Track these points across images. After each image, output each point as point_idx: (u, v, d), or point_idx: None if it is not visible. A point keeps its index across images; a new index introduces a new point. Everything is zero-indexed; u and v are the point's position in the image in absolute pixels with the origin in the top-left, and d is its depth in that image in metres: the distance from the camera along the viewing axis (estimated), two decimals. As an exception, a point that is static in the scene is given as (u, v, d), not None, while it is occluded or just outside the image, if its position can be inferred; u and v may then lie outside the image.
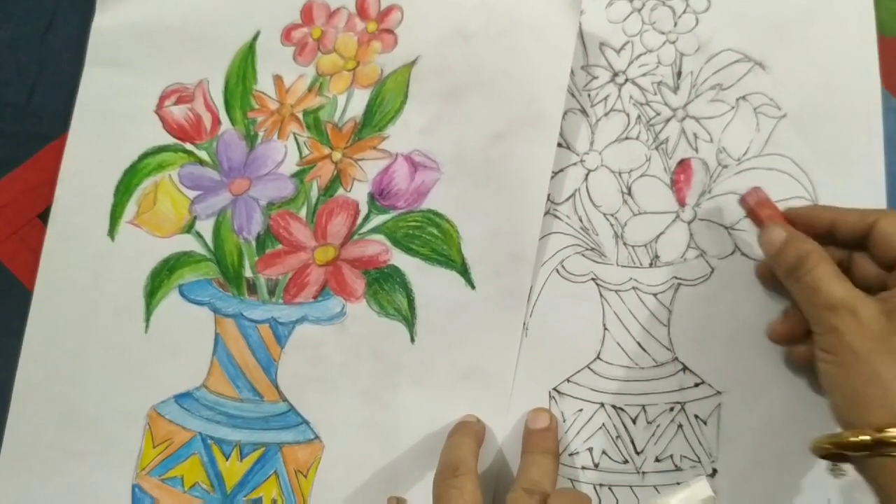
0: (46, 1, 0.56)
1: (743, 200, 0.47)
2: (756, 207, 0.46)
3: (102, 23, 0.54)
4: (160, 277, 0.50)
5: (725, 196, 0.49)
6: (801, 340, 0.46)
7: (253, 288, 0.50)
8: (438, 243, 0.49)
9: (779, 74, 0.51)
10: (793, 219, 0.45)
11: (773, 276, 0.46)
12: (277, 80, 0.52)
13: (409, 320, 0.48)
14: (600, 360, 0.48)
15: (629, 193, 0.50)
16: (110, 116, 0.53)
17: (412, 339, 0.48)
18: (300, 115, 0.52)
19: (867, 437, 0.38)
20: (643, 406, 0.48)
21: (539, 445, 0.47)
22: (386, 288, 0.49)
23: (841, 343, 0.40)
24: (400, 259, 0.49)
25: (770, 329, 0.47)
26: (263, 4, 0.53)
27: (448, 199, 0.50)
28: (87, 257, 0.51)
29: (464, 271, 0.49)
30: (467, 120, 0.51)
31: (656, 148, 0.50)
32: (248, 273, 0.50)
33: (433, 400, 0.48)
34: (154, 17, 0.54)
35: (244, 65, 0.53)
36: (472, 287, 0.49)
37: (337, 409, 0.48)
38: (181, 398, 0.49)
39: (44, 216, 0.52)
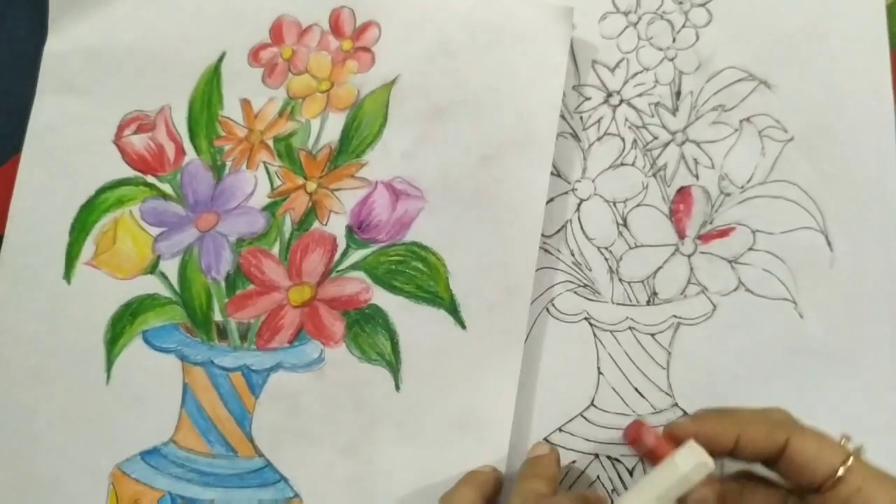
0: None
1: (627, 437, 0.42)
2: (647, 444, 0.41)
3: (55, 46, 0.52)
4: (122, 323, 0.48)
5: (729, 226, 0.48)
6: None
7: (223, 333, 0.48)
8: (424, 279, 0.47)
9: (785, 94, 0.50)
10: (693, 435, 0.40)
11: None
12: (245, 104, 0.50)
13: (394, 365, 0.47)
14: (594, 406, 0.47)
15: (625, 225, 0.49)
16: (64, 148, 0.50)
17: (397, 387, 0.46)
18: (271, 143, 0.50)
19: None
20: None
21: (530, 471, 0.44)
22: (367, 330, 0.47)
23: None
24: (382, 298, 0.47)
25: None
26: (229, 23, 0.51)
27: (434, 229, 0.48)
28: (42, 303, 0.49)
29: (453, 309, 0.47)
30: (453, 142, 0.49)
31: (654, 175, 0.49)
32: (217, 316, 0.48)
33: (422, 453, 0.46)
34: (111, 39, 0.52)
35: (209, 89, 0.51)
36: (463, 326, 0.47)
37: (317, 464, 0.46)
38: (148, 455, 0.47)
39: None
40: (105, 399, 0.48)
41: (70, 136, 0.51)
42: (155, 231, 0.49)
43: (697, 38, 0.50)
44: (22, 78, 0.52)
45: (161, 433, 0.47)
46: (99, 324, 0.48)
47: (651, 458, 0.40)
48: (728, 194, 0.48)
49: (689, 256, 0.48)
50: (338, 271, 0.48)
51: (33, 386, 0.48)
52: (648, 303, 0.48)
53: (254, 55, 0.51)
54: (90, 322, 0.48)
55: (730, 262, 0.48)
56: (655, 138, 0.49)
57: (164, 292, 0.48)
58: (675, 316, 0.47)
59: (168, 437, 0.47)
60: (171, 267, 0.49)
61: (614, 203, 0.49)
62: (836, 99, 0.49)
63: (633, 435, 0.41)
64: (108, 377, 0.48)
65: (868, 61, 0.50)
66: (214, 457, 0.47)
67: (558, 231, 0.49)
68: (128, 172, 0.50)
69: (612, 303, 0.48)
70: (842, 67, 0.50)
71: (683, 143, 0.49)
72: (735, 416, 0.40)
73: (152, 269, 0.49)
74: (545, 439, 0.47)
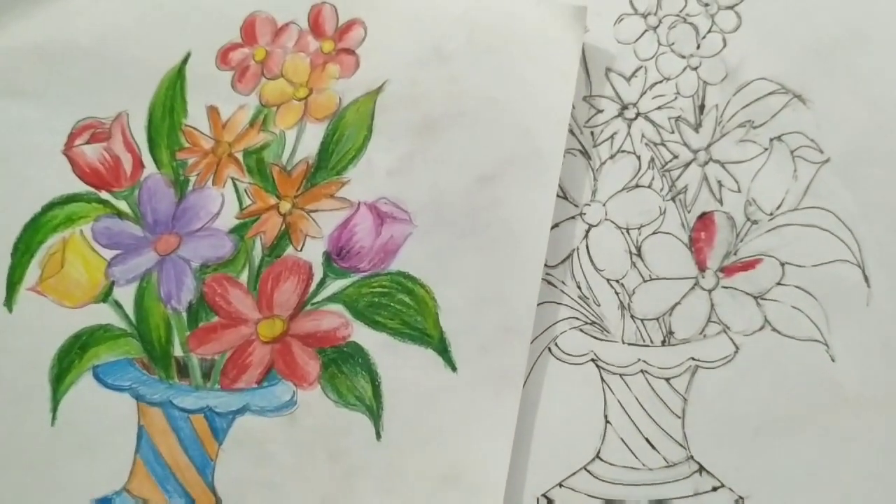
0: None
1: None
2: None
3: (0, 43, 0.50)
4: (70, 357, 0.46)
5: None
6: None
7: (184, 370, 0.45)
8: (411, 314, 0.45)
9: (822, 110, 0.47)
10: None
11: None
12: (212, 111, 0.49)
13: (375, 411, 0.44)
14: (600, 459, 0.44)
15: (639, 254, 0.46)
16: (8, 157, 0.49)
17: (378, 435, 0.44)
18: (240, 156, 0.48)
19: None
20: (652, 516, 0.45)
21: None
22: (346, 371, 0.45)
23: None
24: (363, 334, 0.45)
25: None
26: (195, 20, 0.50)
27: (423, 258, 0.46)
28: (-21, 332, 0.47)
29: (442, 349, 0.45)
30: (446, 159, 0.47)
31: (672, 199, 0.47)
32: (177, 351, 0.46)
33: (403, 512, 0.45)
34: (63, 38, 0.50)
35: (172, 94, 0.49)
36: (453, 368, 0.44)
37: (286, 522, 0.45)
38: (99, 504, 0.46)
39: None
40: (50, 443, 0.45)
41: (14, 145, 0.49)
42: (108, 254, 0.47)
43: (725, 45, 0.48)
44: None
45: (112, 481, 0.45)
46: (44, 358, 0.46)
47: None
48: (755, 222, 0.46)
49: (709, 291, 0.46)
50: (313, 304, 0.46)
51: (-30, 427, 0.46)
52: (663, 343, 0.45)
53: (222, 56, 0.50)
54: (34, 355, 0.46)
55: (755, 297, 0.45)
56: (675, 157, 0.47)
57: (119, 323, 0.46)
58: (692, 358, 0.45)
59: (120, 486, 0.45)
60: (126, 295, 0.46)
61: (627, 230, 0.47)
62: (881, 117, 0.47)
63: None
64: (54, 418, 0.45)
65: (919, 73, 0.48)
66: (171, 509, 0.45)
67: (564, 261, 0.47)
68: (79, 187, 0.48)
69: (623, 342, 0.46)
70: (887, 80, 0.47)
71: (706, 163, 0.47)
72: None
73: (105, 296, 0.46)
74: (544, 496, 0.44)
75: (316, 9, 0.50)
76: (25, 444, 0.45)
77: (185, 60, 0.50)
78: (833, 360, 0.45)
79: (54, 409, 0.46)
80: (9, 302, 0.47)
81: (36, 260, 0.47)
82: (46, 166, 0.48)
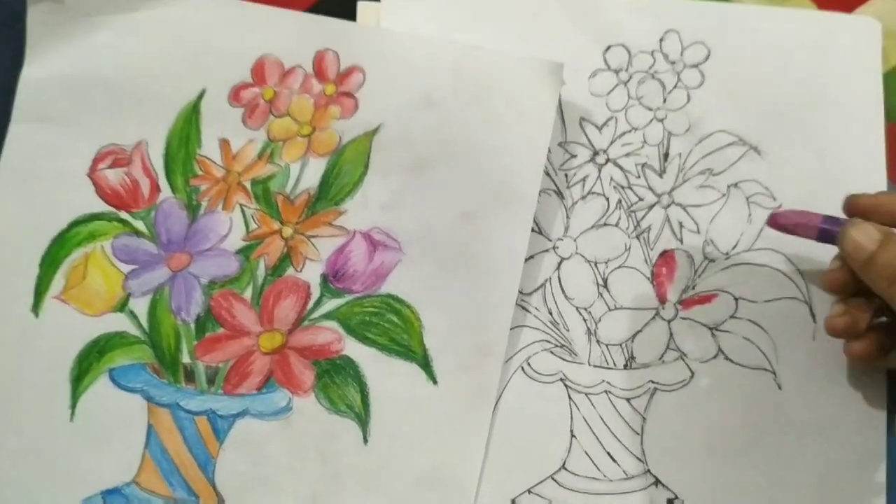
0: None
1: (774, 222, 0.46)
2: (797, 220, 0.46)
3: (32, 74, 0.51)
4: (88, 360, 0.48)
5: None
6: (861, 335, 0.45)
7: (190, 375, 0.48)
8: (398, 332, 0.48)
9: (775, 161, 0.50)
10: (873, 205, 0.45)
11: (850, 286, 0.45)
12: (224, 144, 0.51)
13: (362, 418, 0.47)
14: (565, 469, 0.47)
15: (605, 286, 0.49)
16: (38, 178, 0.50)
17: (365, 440, 0.47)
18: (248, 185, 0.50)
19: None
20: (610, 524, 0.47)
21: None
22: (337, 381, 0.47)
23: None
24: (354, 349, 0.48)
25: (829, 322, 0.45)
26: (210, 60, 0.51)
27: (410, 283, 0.49)
28: (8, 335, 0.48)
29: (425, 364, 0.47)
30: (433, 196, 0.50)
31: (637, 237, 0.49)
32: (185, 358, 0.48)
33: (385, 509, 0.47)
34: (90, 70, 0.51)
35: (188, 126, 0.51)
36: (434, 382, 0.47)
37: (279, 516, 0.47)
38: (109, 495, 0.47)
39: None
40: (68, 437, 0.48)
41: (44, 167, 0.51)
42: (126, 268, 0.49)
43: (689, 100, 0.51)
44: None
45: (123, 473, 0.47)
46: (65, 359, 0.48)
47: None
48: (712, 260, 0.49)
49: (669, 321, 0.48)
50: (310, 320, 0.48)
51: (-5, 420, 0.49)
52: (626, 366, 0.48)
53: (234, 95, 0.51)
54: (57, 357, 0.48)
55: (710, 328, 0.48)
56: (641, 199, 0.50)
57: (133, 331, 0.49)
58: (652, 381, 0.48)
59: (130, 478, 0.47)
60: (140, 305, 0.49)
61: (595, 263, 0.49)
62: (828, 169, 0.50)
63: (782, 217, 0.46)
64: (73, 414, 0.48)
65: (862, 133, 0.50)
66: (175, 501, 0.47)
67: (537, 289, 0.49)
68: (101, 207, 0.50)
69: (589, 365, 0.48)
70: (835, 137, 0.50)
71: (669, 205, 0.50)
72: None
73: (122, 306, 0.49)
74: (513, 500, 0.47)
75: (320, 55, 0.52)
76: (46, 437, 0.48)
77: (200, 96, 0.51)
78: (780, 388, 0.47)
79: (73, 406, 0.48)
80: (36, 308, 0.49)
81: (61, 271, 0.49)
82: (72, 187, 0.50)
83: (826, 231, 0.44)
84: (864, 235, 0.41)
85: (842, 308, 0.45)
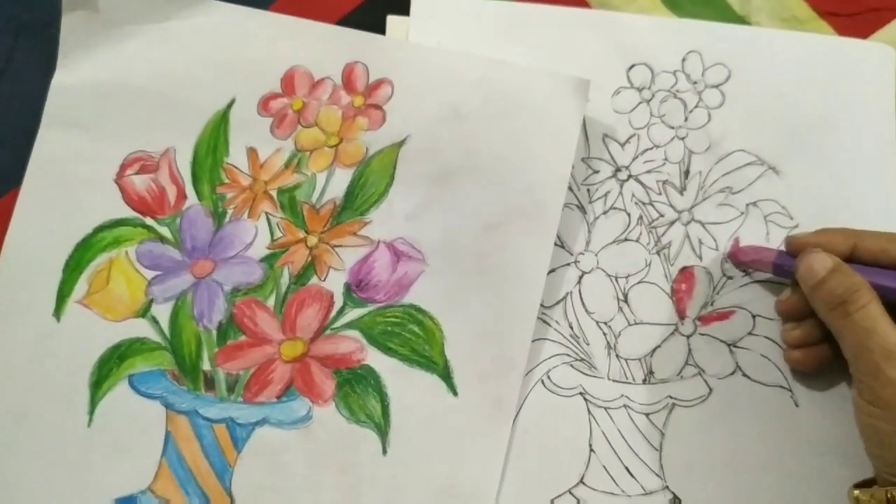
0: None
1: (733, 257, 0.49)
2: (753, 256, 0.49)
3: (63, 80, 0.52)
4: (109, 365, 0.48)
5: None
6: (809, 344, 0.47)
7: (210, 383, 0.48)
8: (419, 343, 0.48)
9: (793, 181, 0.51)
10: (812, 244, 0.47)
11: (800, 312, 0.47)
12: (251, 153, 0.51)
13: (382, 428, 0.47)
14: (584, 484, 0.47)
15: (625, 301, 0.50)
16: (65, 183, 0.51)
17: (384, 450, 0.47)
18: (274, 194, 0.51)
19: None
20: (629, 539, 0.47)
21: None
22: (358, 391, 0.48)
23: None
24: (375, 359, 0.48)
25: (783, 335, 0.49)
26: (240, 70, 0.52)
27: (433, 293, 0.49)
28: (29, 338, 0.49)
29: (446, 375, 0.48)
30: (458, 207, 0.50)
31: (657, 252, 0.50)
32: (206, 366, 0.48)
33: (404, 521, 0.47)
34: (120, 77, 0.52)
35: (216, 134, 0.51)
36: (455, 393, 0.48)
37: (296, 526, 0.47)
38: (124, 501, 0.47)
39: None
40: (85, 442, 0.48)
41: (71, 172, 0.51)
42: (149, 274, 0.50)
43: (709, 119, 0.52)
44: (27, 112, 0.52)
45: (139, 480, 0.47)
46: (85, 364, 0.49)
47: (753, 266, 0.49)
48: (730, 277, 0.50)
49: (687, 337, 0.49)
50: (332, 329, 0.49)
51: (13, 423, 0.48)
52: (644, 381, 0.48)
53: (263, 104, 0.52)
54: (77, 362, 0.49)
55: (728, 345, 0.49)
56: (661, 216, 0.51)
57: (154, 337, 0.49)
58: (670, 396, 0.48)
59: (146, 486, 0.47)
60: (163, 312, 0.49)
61: (616, 278, 0.50)
62: (844, 190, 0.51)
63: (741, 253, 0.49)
64: (91, 420, 0.48)
65: (876, 154, 0.51)
66: (191, 510, 0.47)
67: (558, 302, 0.50)
68: (127, 213, 0.51)
69: (609, 379, 0.49)
70: (850, 158, 0.51)
71: (689, 222, 0.50)
72: (848, 229, 0.47)
73: (144, 312, 0.49)
74: None
75: (349, 67, 0.52)
76: (63, 442, 0.48)
77: (229, 105, 0.52)
78: (797, 406, 0.48)
79: (91, 412, 0.48)
80: (58, 312, 0.49)
81: (84, 276, 0.50)
82: (99, 192, 0.51)
83: (779, 266, 0.47)
84: (818, 262, 0.44)
85: (792, 325, 0.48)
